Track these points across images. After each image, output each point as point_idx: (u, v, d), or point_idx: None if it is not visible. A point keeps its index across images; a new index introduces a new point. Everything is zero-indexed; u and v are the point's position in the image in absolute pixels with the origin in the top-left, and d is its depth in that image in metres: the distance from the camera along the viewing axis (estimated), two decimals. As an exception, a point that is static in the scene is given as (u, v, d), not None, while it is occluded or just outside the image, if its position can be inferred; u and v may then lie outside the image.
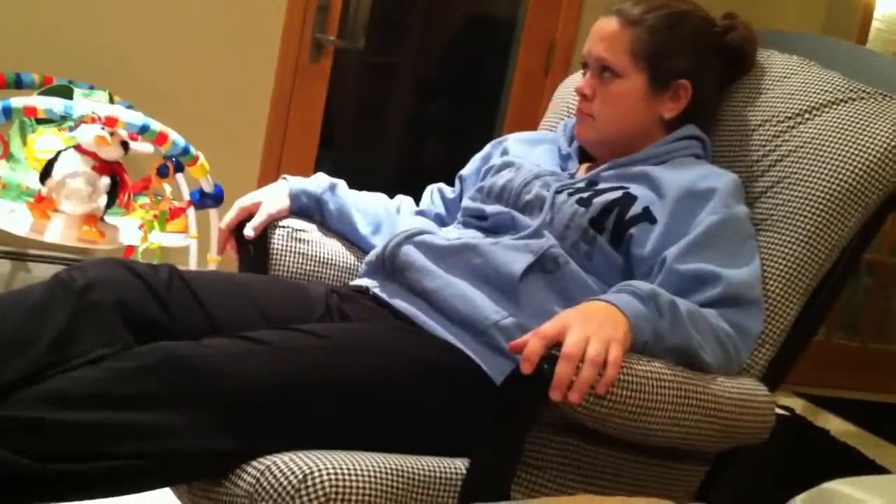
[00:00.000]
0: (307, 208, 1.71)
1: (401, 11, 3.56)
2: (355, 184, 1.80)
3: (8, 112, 1.97)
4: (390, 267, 1.52)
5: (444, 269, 1.45)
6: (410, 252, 1.49)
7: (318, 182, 1.72)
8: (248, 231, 1.65)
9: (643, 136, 1.57)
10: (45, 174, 2.09)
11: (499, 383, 1.27)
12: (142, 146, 2.25)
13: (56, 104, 2.02)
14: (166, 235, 2.27)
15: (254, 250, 1.67)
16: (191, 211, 2.37)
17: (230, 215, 1.68)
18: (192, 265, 2.51)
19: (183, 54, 3.02)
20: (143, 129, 2.06)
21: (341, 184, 1.74)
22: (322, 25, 3.16)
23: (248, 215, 1.67)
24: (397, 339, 1.38)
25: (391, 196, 1.82)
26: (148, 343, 1.24)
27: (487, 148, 1.80)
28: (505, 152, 1.74)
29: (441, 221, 1.78)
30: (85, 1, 2.89)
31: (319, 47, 3.17)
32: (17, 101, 2.01)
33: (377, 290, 1.51)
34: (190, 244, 2.48)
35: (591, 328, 1.14)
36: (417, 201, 1.84)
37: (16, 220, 2.12)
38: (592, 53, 1.56)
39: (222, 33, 3.06)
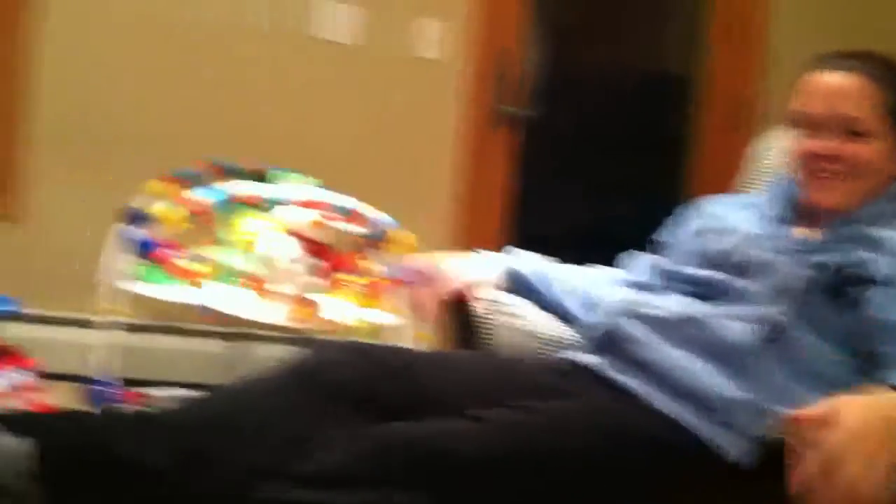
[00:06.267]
0: (510, 283, 1.73)
1: (574, 74, 3.61)
2: (545, 248, 1.81)
3: (229, 204, 2.10)
4: (607, 340, 1.52)
5: (665, 341, 1.44)
6: (629, 325, 1.49)
7: (517, 258, 1.74)
8: (456, 303, 1.68)
9: (874, 196, 1.50)
10: (257, 256, 2.19)
11: (735, 460, 1.24)
12: (346, 226, 2.33)
13: (270, 191, 2.13)
14: (374, 313, 2.32)
15: (461, 325, 1.69)
16: (398, 288, 2.42)
17: (436, 289, 1.71)
18: (403, 343, 2.55)
19: (369, 136, 3.16)
20: (348, 211, 2.14)
21: (537, 257, 1.76)
22: (500, 94, 3.23)
23: (452, 289, 1.69)
24: (615, 412, 1.36)
25: (582, 264, 1.82)
26: (376, 422, 1.27)
27: (685, 211, 1.76)
28: (707, 216, 1.71)
29: (646, 290, 1.75)
30: (274, 91, 3.08)
31: (499, 116, 3.24)
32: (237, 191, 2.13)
33: (593, 363, 1.50)
34: (400, 321, 2.52)
35: (868, 447, 1.01)
36: (607, 262, 1.82)
37: (234, 302, 2.22)
38: (837, 111, 1.46)
39: (405, 111, 3.18)
